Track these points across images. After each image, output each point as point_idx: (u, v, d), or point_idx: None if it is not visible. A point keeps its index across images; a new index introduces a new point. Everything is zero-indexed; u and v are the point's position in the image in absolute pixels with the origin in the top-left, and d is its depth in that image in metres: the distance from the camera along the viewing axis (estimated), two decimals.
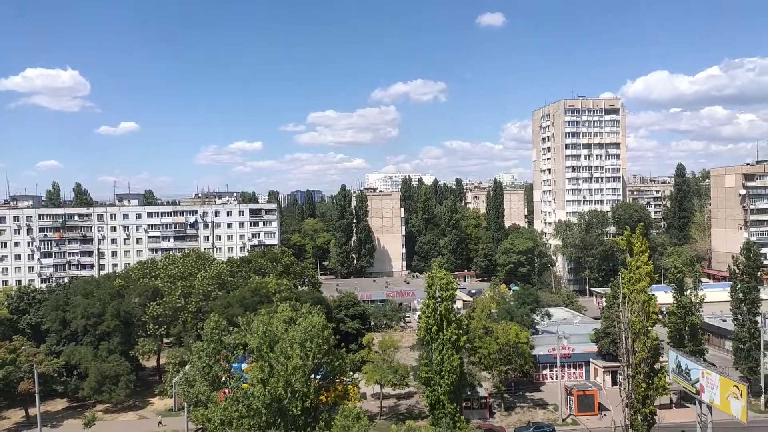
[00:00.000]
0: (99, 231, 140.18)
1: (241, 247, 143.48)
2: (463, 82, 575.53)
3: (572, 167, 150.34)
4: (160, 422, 61.85)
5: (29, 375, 60.45)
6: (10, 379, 61.93)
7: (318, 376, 42.36)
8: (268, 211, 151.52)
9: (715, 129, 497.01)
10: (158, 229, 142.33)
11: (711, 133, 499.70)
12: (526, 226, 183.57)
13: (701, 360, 58.45)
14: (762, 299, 65.67)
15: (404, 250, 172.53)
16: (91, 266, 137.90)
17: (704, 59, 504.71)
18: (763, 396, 62.81)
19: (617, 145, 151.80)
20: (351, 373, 54.26)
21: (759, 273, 65.31)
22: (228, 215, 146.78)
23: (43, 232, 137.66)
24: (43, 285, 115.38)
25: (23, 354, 63.91)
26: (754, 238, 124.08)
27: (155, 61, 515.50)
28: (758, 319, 63.72)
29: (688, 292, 65.61)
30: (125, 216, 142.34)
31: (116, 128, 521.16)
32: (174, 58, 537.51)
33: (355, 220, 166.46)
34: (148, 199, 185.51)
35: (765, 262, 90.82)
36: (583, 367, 73.91)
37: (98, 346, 68.53)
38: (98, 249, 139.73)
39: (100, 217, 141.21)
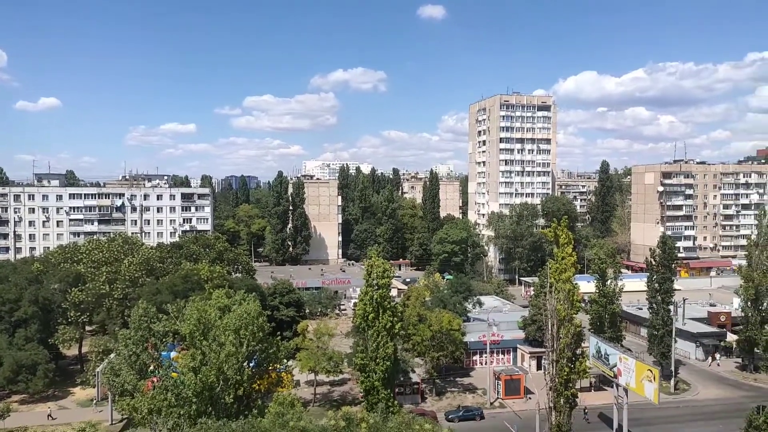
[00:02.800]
0: (15, 212, 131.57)
1: (171, 233, 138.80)
2: (403, 73, 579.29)
3: (506, 161, 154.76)
4: (49, 416, 58.54)
5: None
6: None
7: (252, 364, 41.86)
8: (200, 196, 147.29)
9: (637, 129, 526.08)
10: (81, 211, 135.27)
11: (634, 133, 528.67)
12: (461, 216, 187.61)
13: (619, 346, 62.05)
14: (675, 289, 70.58)
15: (341, 238, 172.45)
16: (7, 249, 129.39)
17: (631, 62, 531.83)
18: (672, 379, 67.59)
19: (548, 141, 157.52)
20: (285, 360, 53.95)
21: (673, 265, 70.05)
22: (158, 199, 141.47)
23: None
24: None
25: None
26: (669, 232, 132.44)
27: (80, 35, 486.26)
28: (671, 308, 68.40)
29: (609, 282, 69.37)
30: (45, 197, 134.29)
31: (36, 104, 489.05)
32: (102, 32, 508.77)
33: (291, 207, 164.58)
34: (69, 180, 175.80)
35: (679, 255, 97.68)
36: (511, 353, 76.76)
37: (14, 334, 64.74)
38: (14, 231, 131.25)
39: (17, 197, 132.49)
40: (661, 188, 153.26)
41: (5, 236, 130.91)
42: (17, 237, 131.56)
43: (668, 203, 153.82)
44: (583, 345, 52.99)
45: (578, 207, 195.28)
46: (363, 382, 51.69)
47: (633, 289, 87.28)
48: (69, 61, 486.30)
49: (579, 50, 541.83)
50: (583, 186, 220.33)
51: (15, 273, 69.56)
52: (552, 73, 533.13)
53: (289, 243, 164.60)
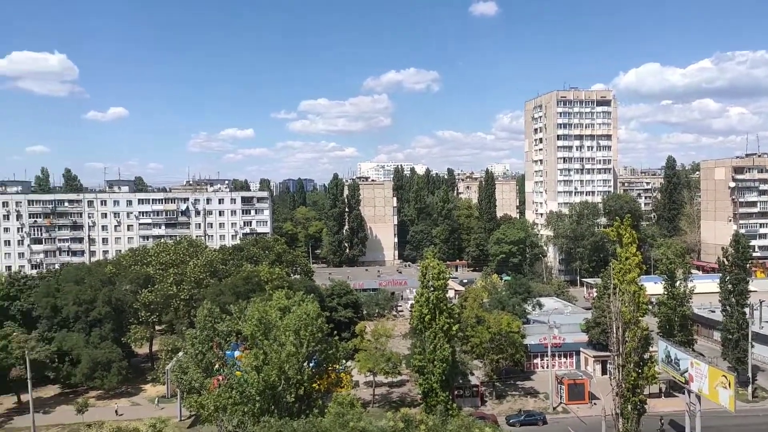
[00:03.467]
0: (89, 218, 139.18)
1: (233, 235, 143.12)
2: (456, 72, 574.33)
3: (564, 158, 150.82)
4: (116, 411, 61.83)
5: (21, 361, 60.19)
6: (1, 365, 61.68)
7: (311, 364, 42.56)
8: (260, 199, 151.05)
9: (705, 122, 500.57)
10: (149, 216, 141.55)
11: (701, 126, 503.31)
12: (518, 216, 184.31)
13: (690, 350, 59.22)
14: (750, 291, 66.59)
15: (396, 240, 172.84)
16: (82, 253, 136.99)
17: (696, 52, 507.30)
18: (750, 386, 63.81)
19: (608, 137, 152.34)
20: (344, 361, 54.58)
21: (747, 265, 66.12)
22: (220, 203, 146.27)
23: (33, 218, 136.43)
24: (34, 271, 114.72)
25: (15, 340, 63.51)
26: (743, 230, 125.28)
27: (145, 46, 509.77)
28: (746, 310, 64.61)
29: (679, 283, 66.27)
30: (116, 203, 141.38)
31: (105, 114, 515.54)
32: (164, 43, 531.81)
33: (347, 209, 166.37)
34: (138, 185, 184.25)
35: (754, 254, 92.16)
36: (574, 357, 74.62)
37: (90, 333, 68.33)
38: (89, 236, 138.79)
39: (90, 203, 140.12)
40: (732, 184, 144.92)
41: (80, 240, 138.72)
42: (91, 241, 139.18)
43: (741, 200, 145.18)
44: (651, 349, 50.89)
45: (642, 205, 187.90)
46: (421, 384, 51.58)
47: (704, 290, 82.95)
48: (134, 71, 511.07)
49: (640, 42, 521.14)
50: (648, 183, 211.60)
51: (90, 275, 73.46)
52: (612, 67, 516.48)
53: (346, 244, 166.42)
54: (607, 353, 58.30)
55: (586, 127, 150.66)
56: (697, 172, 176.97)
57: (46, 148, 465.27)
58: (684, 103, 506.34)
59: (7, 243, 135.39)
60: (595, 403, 60.98)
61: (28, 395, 57.07)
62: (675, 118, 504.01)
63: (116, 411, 61.39)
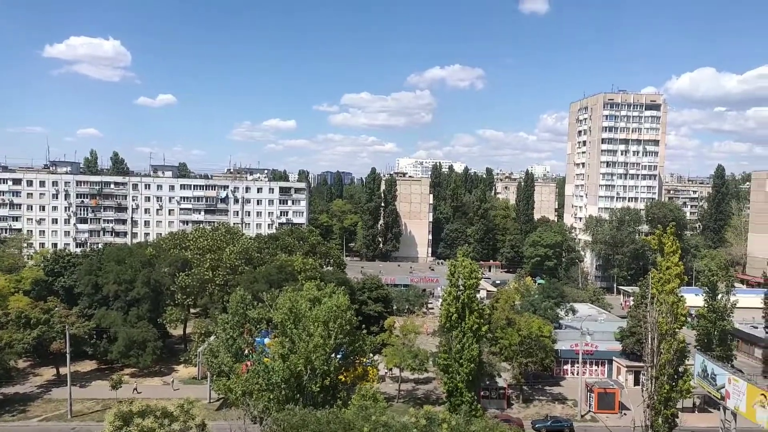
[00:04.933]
0: (133, 200, 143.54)
1: (269, 224, 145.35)
2: (502, 70, 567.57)
3: (607, 162, 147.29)
4: (172, 381, 65.59)
5: (61, 336, 62.59)
6: (43, 338, 64.28)
7: (339, 356, 42.83)
8: (297, 190, 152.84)
9: (760, 131, 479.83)
10: (190, 201, 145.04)
11: (756, 135, 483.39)
12: (556, 219, 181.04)
13: (729, 366, 57.06)
14: None
15: (430, 237, 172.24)
16: (125, 234, 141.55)
17: (754, 58, 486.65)
18: None
19: (656, 142, 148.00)
20: (371, 354, 54.75)
21: None
22: (258, 192, 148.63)
23: (80, 198, 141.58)
24: (78, 249, 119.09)
25: (56, 315, 66.20)
26: None
27: (195, 36, 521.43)
28: None
29: (720, 296, 63.96)
30: (159, 187, 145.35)
31: (154, 100, 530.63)
32: (213, 34, 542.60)
33: (383, 204, 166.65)
34: (181, 171, 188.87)
35: None
36: (606, 365, 72.97)
37: (128, 312, 70.42)
38: (132, 218, 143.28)
39: (135, 186, 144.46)
40: None
41: (124, 221, 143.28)
42: (134, 223, 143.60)
43: None
44: (687, 362, 49.32)
45: (688, 214, 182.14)
46: (446, 383, 51.24)
47: (747, 305, 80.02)
48: (183, 60, 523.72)
49: (695, 45, 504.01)
50: (695, 192, 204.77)
51: (131, 256, 75.64)
52: (664, 70, 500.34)
53: (380, 239, 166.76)
54: (641, 364, 56.76)
55: (632, 132, 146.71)
56: (748, 183, 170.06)
57: (97, 131, 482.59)
58: (739, 110, 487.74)
59: (55, 221, 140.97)
60: (625, 414, 59.51)
61: (66, 369, 59.29)
62: (728, 125, 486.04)
63: (135, 389, 63.37)
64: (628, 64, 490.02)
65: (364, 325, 54.48)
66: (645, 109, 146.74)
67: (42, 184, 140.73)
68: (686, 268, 55.87)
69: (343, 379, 44.67)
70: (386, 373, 66.88)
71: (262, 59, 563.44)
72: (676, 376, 45.11)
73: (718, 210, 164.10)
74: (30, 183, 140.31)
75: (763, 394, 45.70)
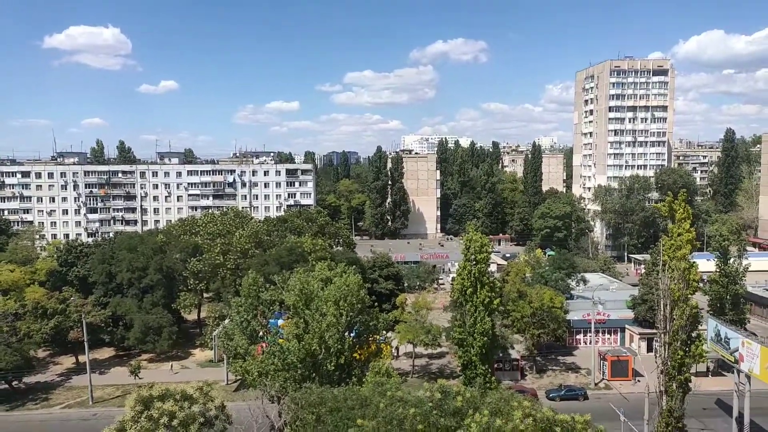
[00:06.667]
0: (142, 188, 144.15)
1: (277, 207, 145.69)
2: (505, 42, 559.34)
3: (615, 131, 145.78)
4: (171, 366, 67.69)
5: (78, 324, 63.55)
6: (61, 327, 65.36)
7: (352, 334, 43.18)
8: (304, 172, 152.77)
9: None
10: (198, 187, 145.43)
11: (766, 97, 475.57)
12: (564, 191, 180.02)
13: (742, 329, 57.03)
14: None
15: (439, 213, 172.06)
16: (135, 222, 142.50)
17: (763, 18, 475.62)
18: None
19: (664, 108, 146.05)
20: (384, 332, 55.16)
21: None
22: (265, 175, 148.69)
23: (89, 188, 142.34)
24: (90, 239, 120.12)
25: (72, 305, 67.14)
26: None
27: (194, 20, 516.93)
28: None
29: (732, 260, 63.68)
30: (166, 174, 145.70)
31: (157, 87, 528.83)
32: (212, 17, 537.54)
33: (390, 182, 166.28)
34: (188, 157, 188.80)
35: None
36: (618, 333, 73.24)
37: (142, 299, 71.28)
38: (141, 205, 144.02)
39: (142, 174, 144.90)
40: None
41: (133, 210, 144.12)
42: (143, 210, 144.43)
43: None
44: (700, 327, 49.26)
45: (698, 179, 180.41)
46: (460, 357, 51.67)
47: (760, 268, 79.78)
48: (183, 46, 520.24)
49: (702, 7, 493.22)
50: (704, 156, 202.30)
51: (142, 244, 76.29)
52: (671, 34, 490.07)
53: (388, 217, 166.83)
54: (653, 331, 56.82)
55: (640, 98, 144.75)
56: (758, 146, 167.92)
57: (101, 121, 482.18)
58: (748, 72, 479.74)
59: (65, 212, 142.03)
60: (638, 381, 59.84)
61: (85, 356, 60.33)
62: (737, 88, 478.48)
63: (171, 367, 66.15)
64: (635, 31, 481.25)
65: (376, 303, 54.83)
66: (652, 75, 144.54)
67: (50, 175, 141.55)
68: (697, 233, 55.60)
69: (358, 356, 45.06)
70: (398, 349, 67.44)
71: (262, 40, 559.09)
72: (689, 342, 45.04)
73: (728, 174, 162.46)
74: (39, 175, 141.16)
75: None
